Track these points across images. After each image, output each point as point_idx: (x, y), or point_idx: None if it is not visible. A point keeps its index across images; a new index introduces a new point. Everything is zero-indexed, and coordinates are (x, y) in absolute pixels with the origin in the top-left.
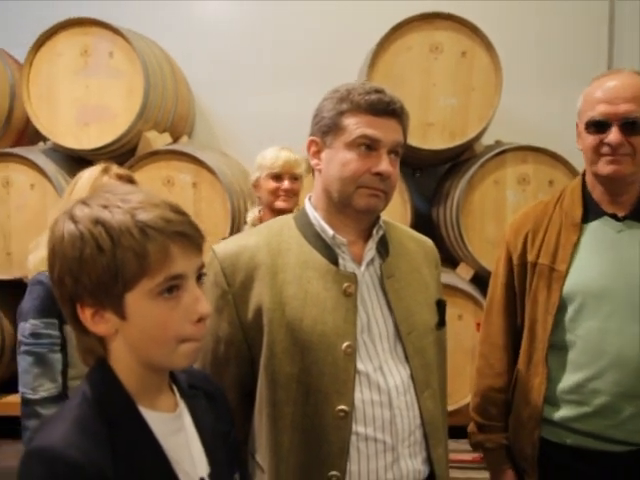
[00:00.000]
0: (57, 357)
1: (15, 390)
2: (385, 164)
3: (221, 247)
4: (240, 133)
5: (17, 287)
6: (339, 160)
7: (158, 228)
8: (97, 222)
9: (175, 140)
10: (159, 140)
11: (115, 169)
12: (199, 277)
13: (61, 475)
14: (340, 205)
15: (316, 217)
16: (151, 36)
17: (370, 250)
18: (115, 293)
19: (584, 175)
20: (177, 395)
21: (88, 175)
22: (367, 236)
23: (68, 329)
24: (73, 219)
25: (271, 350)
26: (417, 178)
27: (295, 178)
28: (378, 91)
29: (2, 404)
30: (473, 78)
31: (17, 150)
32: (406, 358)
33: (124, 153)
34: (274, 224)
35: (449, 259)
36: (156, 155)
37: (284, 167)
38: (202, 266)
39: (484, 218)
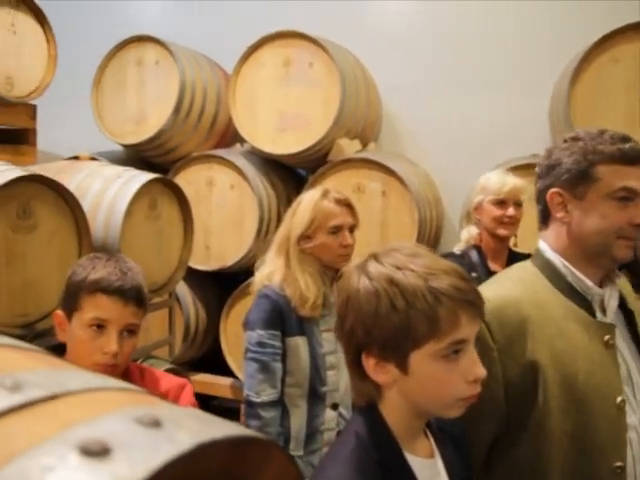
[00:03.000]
0: (278, 366)
1: (203, 369)
2: None
3: None
4: (425, 139)
5: (213, 278)
6: (598, 213)
7: (450, 295)
8: (392, 282)
9: (364, 146)
10: (350, 147)
11: (334, 194)
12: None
13: None
14: (594, 256)
15: (567, 267)
16: (342, 41)
17: (614, 298)
18: (402, 349)
19: None
20: (432, 440)
21: (309, 199)
22: (601, 282)
23: (289, 341)
24: (368, 275)
25: (545, 407)
26: None
27: (519, 205)
28: (626, 139)
29: (194, 382)
30: None
31: (220, 152)
32: None
33: (317, 158)
34: (522, 274)
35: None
36: (348, 162)
37: (510, 193)
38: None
39: None
